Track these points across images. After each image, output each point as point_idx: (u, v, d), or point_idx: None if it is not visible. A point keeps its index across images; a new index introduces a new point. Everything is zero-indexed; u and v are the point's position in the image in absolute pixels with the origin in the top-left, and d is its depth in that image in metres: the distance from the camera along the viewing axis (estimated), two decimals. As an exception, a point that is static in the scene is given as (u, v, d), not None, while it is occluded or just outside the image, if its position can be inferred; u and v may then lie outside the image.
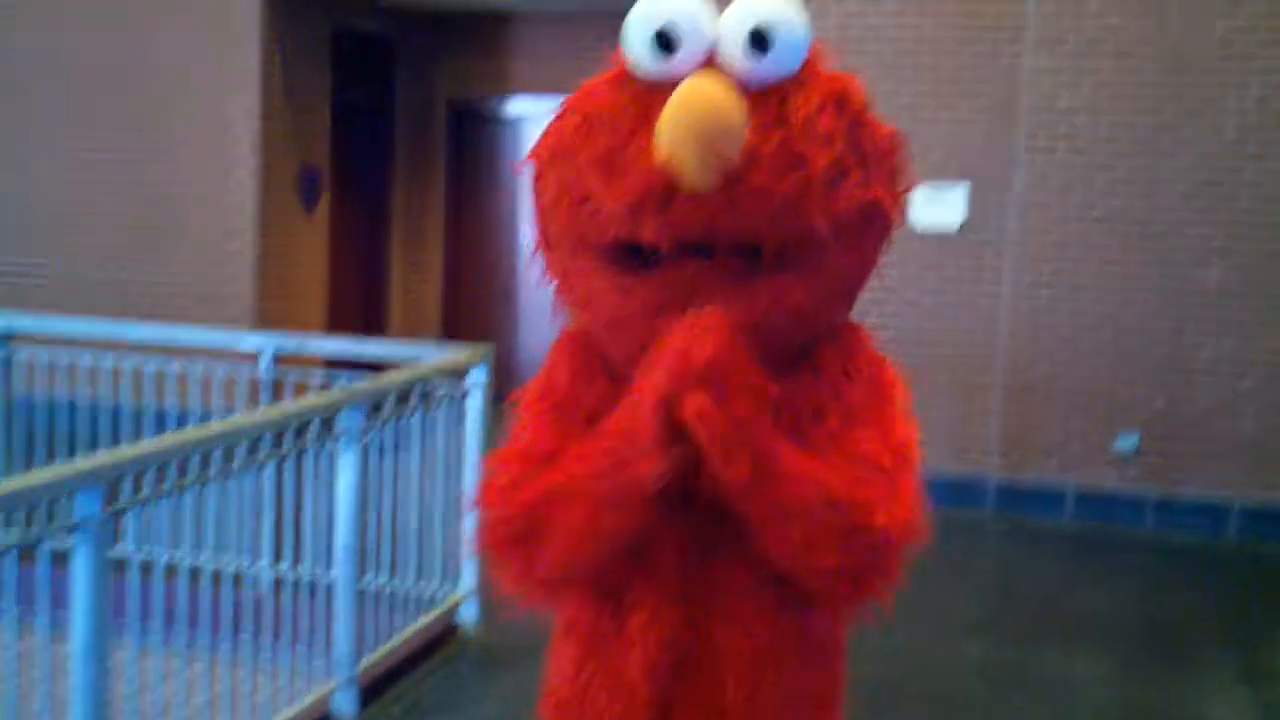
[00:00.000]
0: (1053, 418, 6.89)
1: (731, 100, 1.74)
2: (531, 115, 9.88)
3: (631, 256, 1.84)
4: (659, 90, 1.79)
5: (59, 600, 2.97)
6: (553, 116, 2.00)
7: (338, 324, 9.33)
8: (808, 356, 1.93)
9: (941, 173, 6.91)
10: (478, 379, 4.92)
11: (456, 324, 10.15)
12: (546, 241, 1.98)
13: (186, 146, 8.51)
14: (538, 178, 1.96)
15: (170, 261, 8.58)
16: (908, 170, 1.95)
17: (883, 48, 6.94)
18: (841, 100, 1.86)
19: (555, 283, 2.02)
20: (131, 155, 8.63)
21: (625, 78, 1.89)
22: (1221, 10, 6.57)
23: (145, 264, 8.62)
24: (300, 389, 5.24)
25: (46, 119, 8.81)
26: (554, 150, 1.92)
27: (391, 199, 10.16)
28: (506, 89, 9.90)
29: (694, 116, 1.72)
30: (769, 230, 1.78)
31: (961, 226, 6.93)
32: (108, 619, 2.98)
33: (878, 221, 1.90)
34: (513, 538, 1.86)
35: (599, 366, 2.00)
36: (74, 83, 8.73)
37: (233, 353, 5.92)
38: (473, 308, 10.22)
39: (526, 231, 9.87)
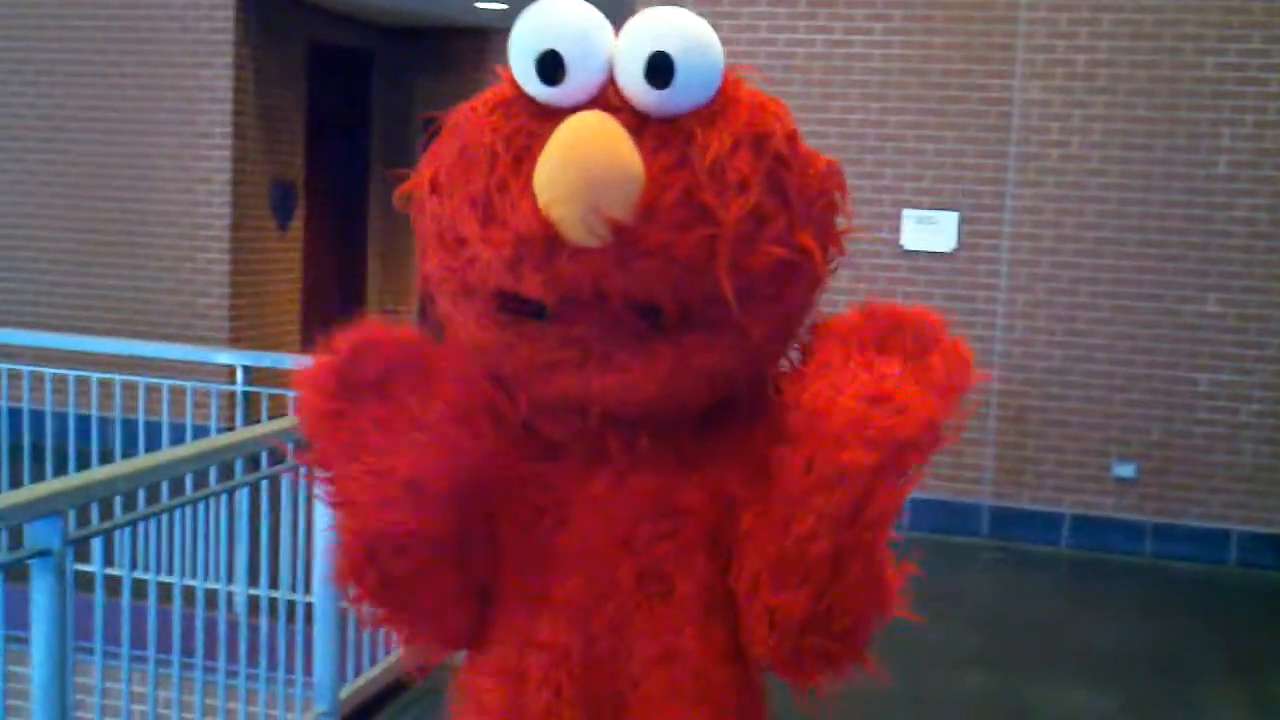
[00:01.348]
0: (1046, 447, 6.83)
1: (621, 148, 1.49)
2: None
3: (518, 304, 1.60)
4: (544, 120, 1.55)
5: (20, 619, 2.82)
6: (434, 140, 1.76)
7: (313, 342, 9.14)
8: (735, 405, 1.73)
9: (930, 202, 6.86)
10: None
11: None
12: (427, 278, 1.75)
13: (159, 159, 8.36)
14: (417, 208, 1.73)
15: (142, 276, 8.41)
16: (845, 206, 1.70)
17: (869, 78, 6.88)
18: (760, 137, 1.60)
19: (446, 326, 1.79)
20: (103, 168, 8.47)
21: (510, 101, 1.63)
22: (1213, 47, 6.55)
23: (116, 278, 8.45)
24: (276, 406, 5.09)
25: (16, 131, 8.63)
26: (433, 181, 1.68)
27: (368, 214, 10.01)
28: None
29: (577, 166, 1.47)
30: (668, 292, 1.54)
31: (953, 254, 6.87)
32: (68, 650, 2.82)
33: (804, 272, 1.64)
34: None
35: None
36: (45, 94, 8.56)
37: (205, 368, 5.78)
38: (448, 328, 10.06)
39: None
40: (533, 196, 1.50)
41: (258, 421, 4.87)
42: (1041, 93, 6.77)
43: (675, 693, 1.68)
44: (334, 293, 9.75)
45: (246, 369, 5.38)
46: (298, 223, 8.98)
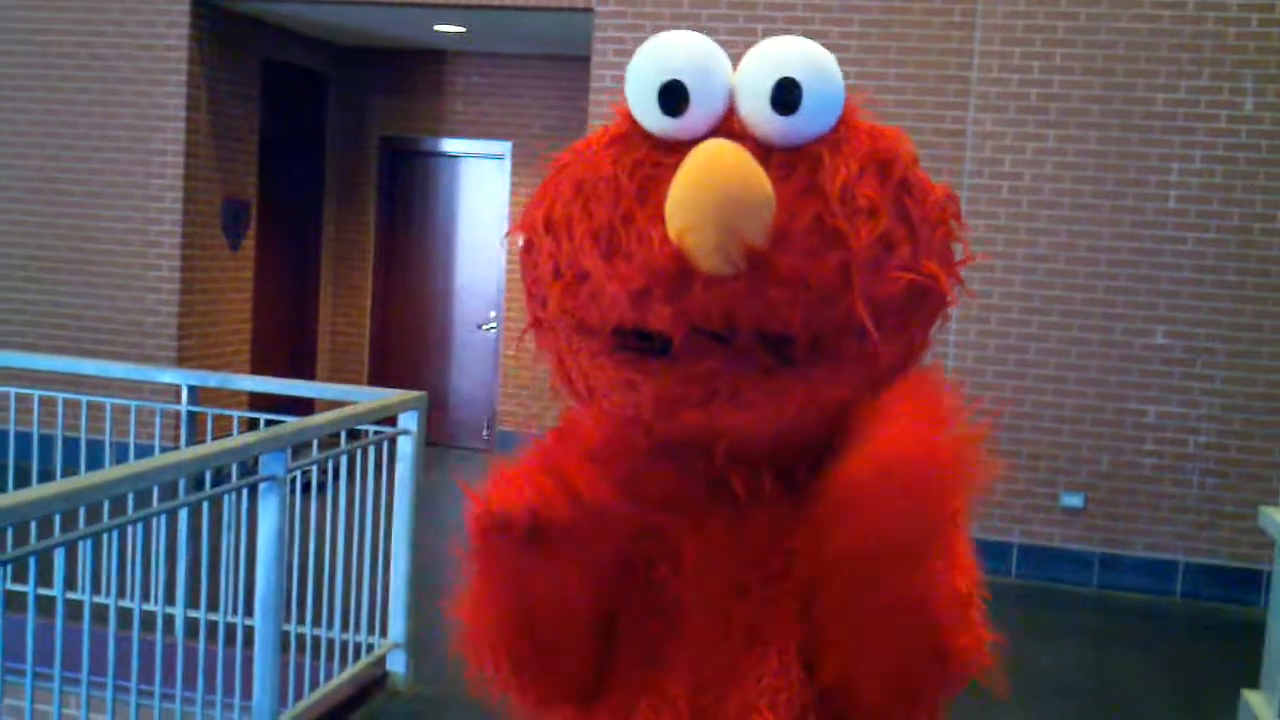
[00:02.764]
0: (996, 476, 6.85)
1: (755, 172, 1.46)
2: (467, 154, 9.76)
3: (638, 342, 1.56)
4: (667, 153, 1.53)
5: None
6: (543, 180, 1.71)
7: (262, 363, 9.08)
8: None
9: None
10: (409, 424, 4.74)
11: (385, 367, 9.93)
12: (538, 320, 1.71)
13: (110, 176, 8.26)
14: (527, 249, 1.69)
15: (90, 293, 8.30)
16: (961, 235, 1.70)
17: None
18: (886, 162, 1.60)
19: (551, 365, 1.74)
20: (53, 183, 8.36)
21: (627, 136, 1.60)
22: (1163, 83, 6.63)
23: (65, 294, 8.33)
24: (220, 428, 5.04)
25: (-34, 141, 8.52)
26: (547, 220, 1.62)
27: (321, 235, 9.94)
28: (441, 127, 9.77)
29: (711, 192, 1.44)
30: (802, 320, 1.50)
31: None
32: None
33: (930, 301, 1.63)
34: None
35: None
36: (-3, 105, 8.46)
37: (150, 386, 5.69)
38: (403, 350, 10.01)
39: (461, 273, 9.81)
40: (662, 226, 1.47)
41: (202, 442, 4.81)
42: (994, 125, 6.82)
43: None
44: (285, 313, 9.66)
45: (192, 388, 5.31)
46: (249, 242, 8.90)
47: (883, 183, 1.57)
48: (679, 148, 1.52)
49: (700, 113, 1.56)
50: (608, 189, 1.55)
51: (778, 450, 1.64)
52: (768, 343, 1.53)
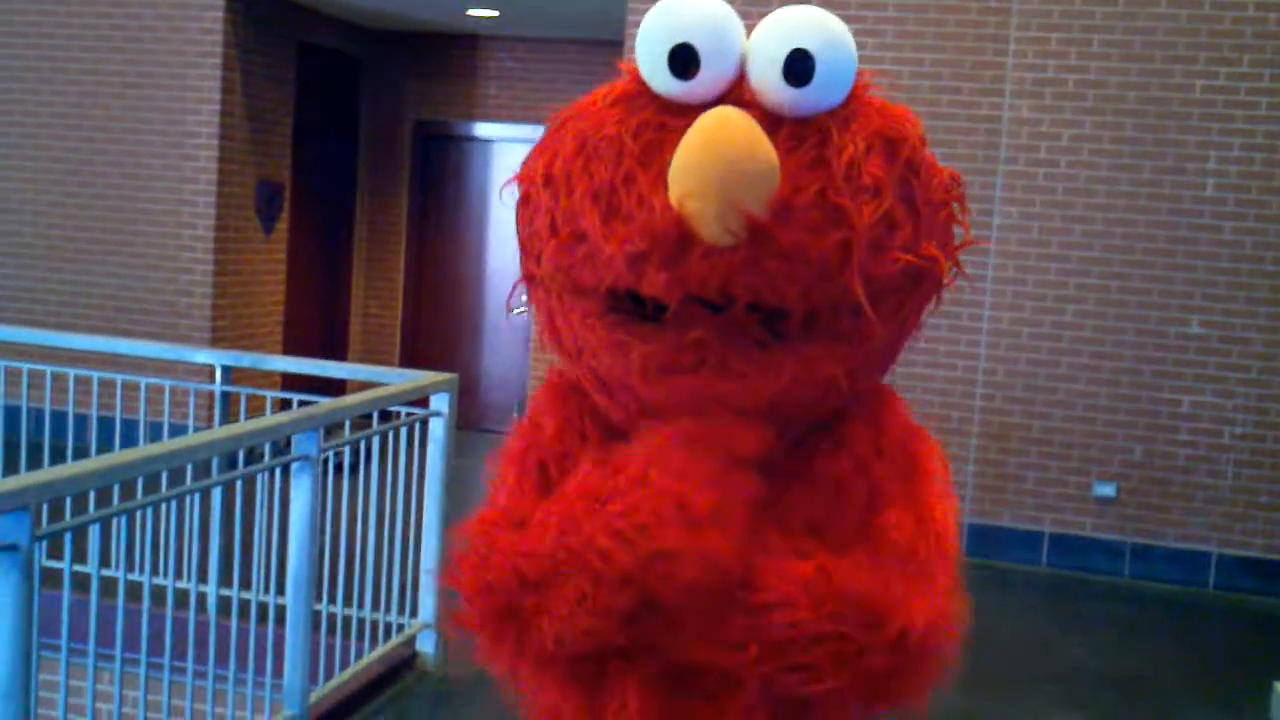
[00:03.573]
0: (1027, 465, 6.83)
1: (762, 142, 1.45)
2: (500, 138, 9.76)
3: (630, 305, 1.56)
4: (674, 115, 1.51)
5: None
6: (545, 133, 1.69)
7: (295, 346, 9.12)
8: (829, 427, 1.67)
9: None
10: (440, 406, 4.75)
11: (417, 350, 9.97)
12: (531, 275, 1.71)
13: (146, 158, 8.31)
14: (524, 201, 1.68)
15: (125, 274, 8.36)
16: (964, 219, 1.70)
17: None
18: (894, 141, 1.58)
19: (540, 321, 1.74)
20: (89, 166, 8.41)
21: (633, 96, 1.58)
22: (1202, 70, 6.56)
23: (100, 275, 8.40)
24: (254, 408, 5.06)
25: (1, 128, 8.58)
26: (546, 174, 1.61)
27: (354, 219, 9.98)
28: (474, 111, 9.77)
29: (716, 160, 1.42)
30: (798, 295, 1.50)
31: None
32: (34, 647, 2.77)
33: (927, 283, 1.64)
34: (495, 613, 1.59)
35: (593, 422, 1.72)
36: (31, 91, 8.51)
37: (185, 367, 5.71)
38: (435, 334, 10.04)
39: (493, 257, 9.81)
40: (664, 191, 1.45)
41: (235, 421, 4.83)
42: (1030, 111, 6.77)
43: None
44: (318, 296, 9.70)
45: (226, 369, 5.34)
46: (283, 225, 8.94)
47: (889, 162, 1.55)
48: (686, 111, 1.50)
49: (710, 77, 1.53)
50: (610, 149, 1.53)
51: (766, 421, 1.62)
52: (761, 315, 1.52)
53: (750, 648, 1.51)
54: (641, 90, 1.59)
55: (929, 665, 1.61)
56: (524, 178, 1.68)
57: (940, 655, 1.62)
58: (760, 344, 1.53)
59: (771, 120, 1.51)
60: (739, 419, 1.56)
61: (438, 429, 4.74)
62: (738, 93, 1.55)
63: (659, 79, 1.55)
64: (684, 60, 1.52)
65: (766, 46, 1.54)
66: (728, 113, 1.47)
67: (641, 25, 1.57)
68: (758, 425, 1.58)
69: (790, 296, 1.50)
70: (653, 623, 1.51)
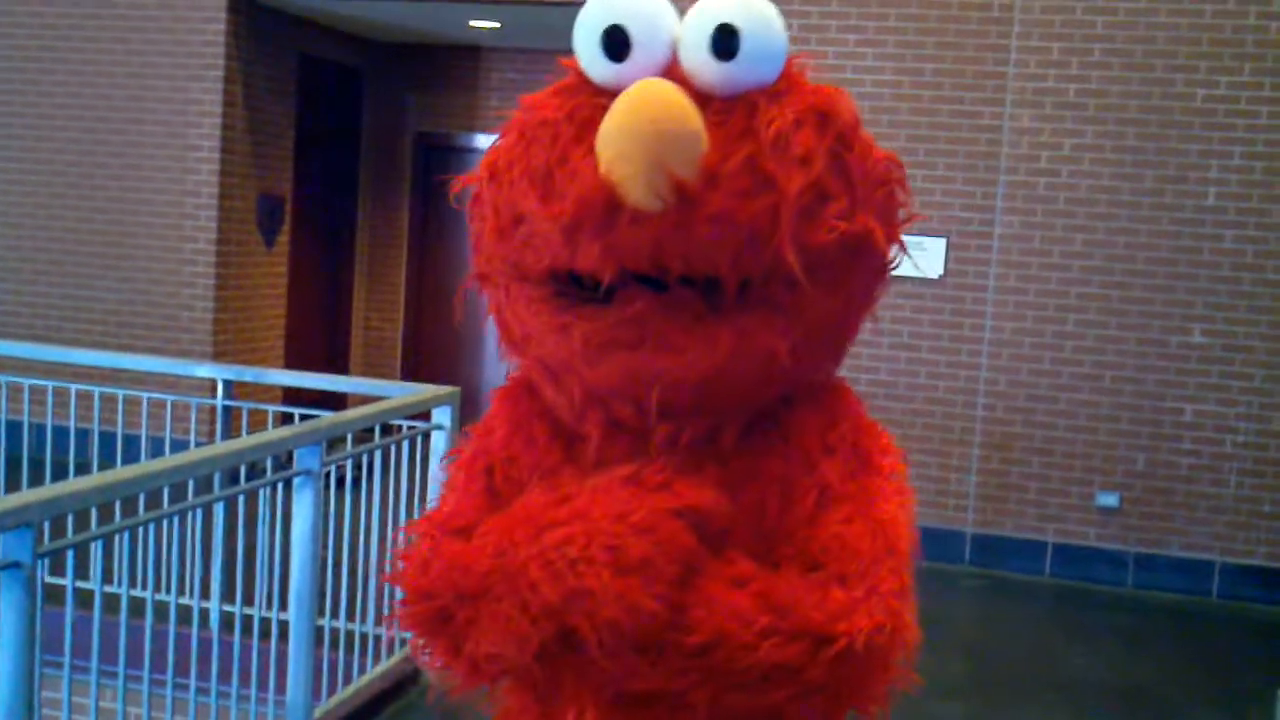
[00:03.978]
0: (1030, 475, 6.82)
1: (685, 106, 1.48)
2: (502, 154, 9.75)
3: (573, 288, 1.59)
4: (608, 98, 1.54)
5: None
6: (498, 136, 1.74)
7: (296, 359, 9.11)
8: (777, 421, 1.68)
9: (918, 228, 6.83)
10: (442, 419, 4.75)
11: (419, 363, 9.96)
12: (482, 274, 1.74)
13: (147, 171, 8.32)
14: (474, 201, 1.73)
15: (126, 288, 8.36)
16: (906, 200, 1.72)
17: (860, 103, 6.82)
18: (824, 114, 1.61)
19: (494, 320, 1.77)
20: (89, 179, 8.42)
21: (573, 87, 1.63)
22: (1203, 79, 6.57)
23: (101, 290, 8.40)
24: (255, 422, 5.06)
25: (1, 140, 8.59)
26: (491, 169, 1.67)
27: (355, 231, 9.98)
28: (476, 123, 9.78)
29: (641, 122, 1.46)
30: (730, 262, 1.52)
31: (940, 280, 6.86)
32: (36, 663, 2.77)
33: (867, 257, 1.64)
34: (429, 617, 1.61)
35: (542, 423, 1.74)
36: (32, 104, 8.52)
37: (187, 381, 5.72)
38: (436, 347, 10.03)
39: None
40: (594, 160, 1.49)
41: (237, 436, 4.83)
42: (1031, 121, 6.77)
43: None
44: (319, 309, 9.70)
45: (227, 383, 5.34)
46: (284, 238, 8.94)
47: (819, 134, 1.59)
48: (619, 94, 1.53)
49: (643, 58, 1.58)
50: (547, 133, 1.57)
51: (708, 401, 1.63)
52: (696, 286, 1.54)
53: (691, 675, 1.52)
54: (581, 82, 1.63)
55: (877, 670, 1.58)
56: (473, 177, 1.74)
57: (889, 658, 1.58)
58: (698, 317, 1.56)
59: (702, 98, 1.54)
60: (699, 481, 1.60)
61: (439, 442, 4.73)
62: (671, 75, 1.58)
63: (595, 65, 1.60)
64: (617, 43, 1.57)
65: (695, 25, 1.58)
66: (654, 80, 1.52)
67: (579, 13, 1.62)
68: (714, 487, 1.60)
69: (722, 264, 1.52)
70: (571, 657, 1.52)
